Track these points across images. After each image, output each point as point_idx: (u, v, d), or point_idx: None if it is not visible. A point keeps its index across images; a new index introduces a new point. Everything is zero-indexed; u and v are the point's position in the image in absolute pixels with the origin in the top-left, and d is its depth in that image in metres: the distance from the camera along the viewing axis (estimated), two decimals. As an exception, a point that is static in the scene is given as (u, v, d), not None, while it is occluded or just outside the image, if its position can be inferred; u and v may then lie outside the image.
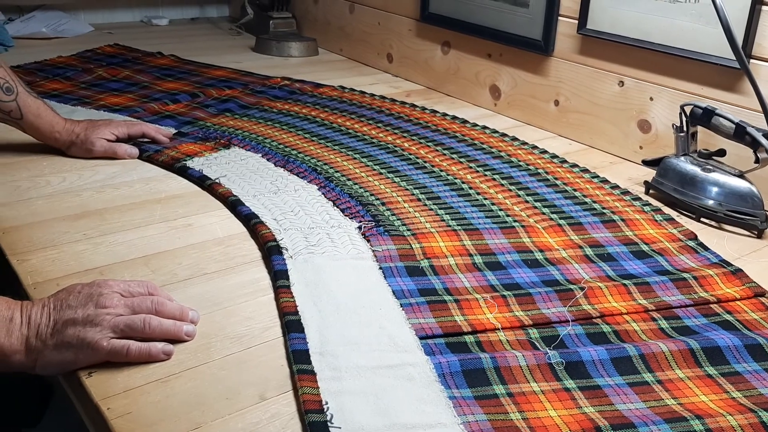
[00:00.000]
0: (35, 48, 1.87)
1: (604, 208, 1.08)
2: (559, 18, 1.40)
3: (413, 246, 0.95)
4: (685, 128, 1.14)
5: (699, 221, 1.09)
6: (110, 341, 0.68)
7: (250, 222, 0.99)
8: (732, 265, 0.94)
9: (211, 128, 1.34)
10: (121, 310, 0.71)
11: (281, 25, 2.10)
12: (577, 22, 1.35)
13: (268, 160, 1.21)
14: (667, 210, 1.11)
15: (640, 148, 1.30)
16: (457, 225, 1.01)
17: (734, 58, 1.08)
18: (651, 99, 1.27)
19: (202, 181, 1.12)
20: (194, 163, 1.17)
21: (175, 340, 0.73)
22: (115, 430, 0.63)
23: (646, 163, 1.23)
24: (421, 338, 0.76)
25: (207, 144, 1.26)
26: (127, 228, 0.98)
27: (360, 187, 1.12)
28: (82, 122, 1.19)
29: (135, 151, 1.20)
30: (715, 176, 1.09)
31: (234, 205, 1.04)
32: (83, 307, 0.69)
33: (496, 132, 1.41)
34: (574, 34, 1.37)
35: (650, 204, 1.12)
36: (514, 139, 1.37)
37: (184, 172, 1.15)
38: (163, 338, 0.72)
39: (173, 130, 1.32)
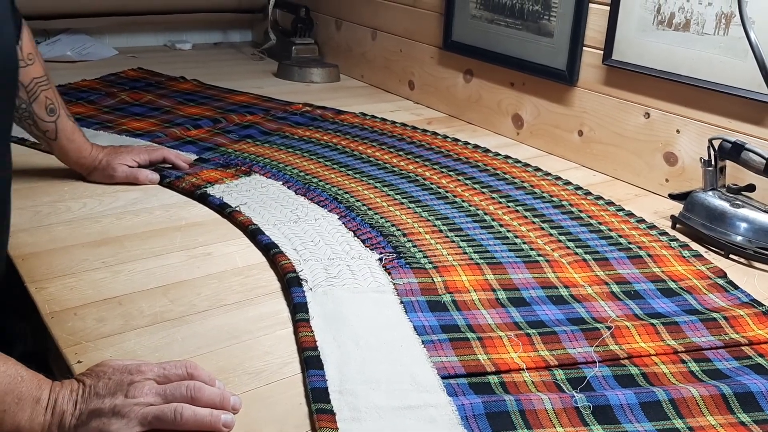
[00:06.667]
0: (60, 71, 1.89)
1: (630, 243, 1.06)
2: (584, 48, 1.38)
3: (435, 279, 0.93)
4: (713, 162, 1.12)
5: (728, 258, 1.06)
6: None
7: (270, 252, 0.98)
8: (763, 305, 0.91)
9: (232, 154, 1.34)
10: (152, 399, 0.64)
11: (303, 51, 2.11)
12: (602, 52, 1.34)
13: (288, 188, 1.20)
14: (694, 246, 1.08)
15: (666, 181, 1.28)
16: (480, 258, 0.99)
17: (765, 92, 1.06)
18: (677, 131, 1.25)
19: (222, 208, 1.11)
20: (215, 190, 1.16)
21: None
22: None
23: (673, 197, 1.21)
24: (443, 377, 0.74)
25: (228, 171, 1.25)
26: (146, 256, 0.97)
27: (381, 217, 1.11)
28: (106, 148, 1.19)
29: (156, 176, 1.20)
30: (745, 212, 1.07)
31: (254, 234, 1.03)
32: (111, 397, 0.63)
33: (519, 162, 1.39)
34: (599, 65, 1.36)
35: (677, 239, 1.09)
36: (537, 169, 1.35)
37: (205, 199, 1.14)
38: (197, 430, 0.65)
39: (194, 156, 1.32)
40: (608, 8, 1.31)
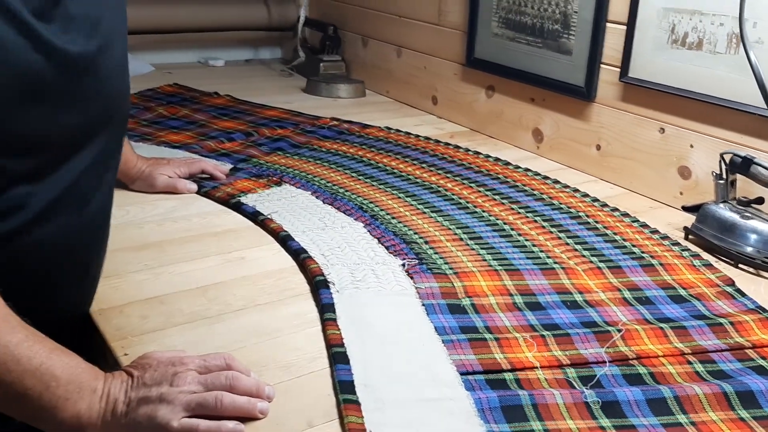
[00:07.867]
0: (99, 86, 1.97)
1: (643, 253, 1.11)
2: (602, 66, 1.44)
3: (455, 284, 0.99)
4: (724, 176, 1.16)
5: (737, 267, 1.10)
6: (181, 420, 0.68)
7: (300, 256, 1.04)
8: (769, 311, 0.96)
9: (264, 166, 1.41)
10: (194, 387, 0.70)
11: (331, 67, 2.18)
12: (619, 70, 1.39)
13: (316, 197, 1.26)
14: (705, 256, 1.12)
15: (681, 193, 1.33)
16: (499, 265, 1.05)
17: (773, 109, 1.10)
18: (691, 146, 1.30)
19: (255, 216, 1.18)
20: (248, 199, 1.23)
21: (248, 418, 0.71)
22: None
23: (686, 209, 1.25)
24: (461, 374, 0.79)
25: (260, 181, 1.32)
26: (185, 259, 1.04)
27: (404, 226, 1.16)
28: (149, 160, 1.27)
29: (194, 186, 1.27)
30: (754, 224, 1.11)
31: (284, 240, 1.10)
32: (158, 386, 0.69)
33: (539, 175, 1.44)
34: (616, 82, 1.41)
35: (689, 249, 1.14)
36: (556, 182, 1.40)
37: (239, 208, 1.21)
38: (236, 415, 0.70)
39: (230, 166, 1.39)
40: (625, 28, 1.37)
